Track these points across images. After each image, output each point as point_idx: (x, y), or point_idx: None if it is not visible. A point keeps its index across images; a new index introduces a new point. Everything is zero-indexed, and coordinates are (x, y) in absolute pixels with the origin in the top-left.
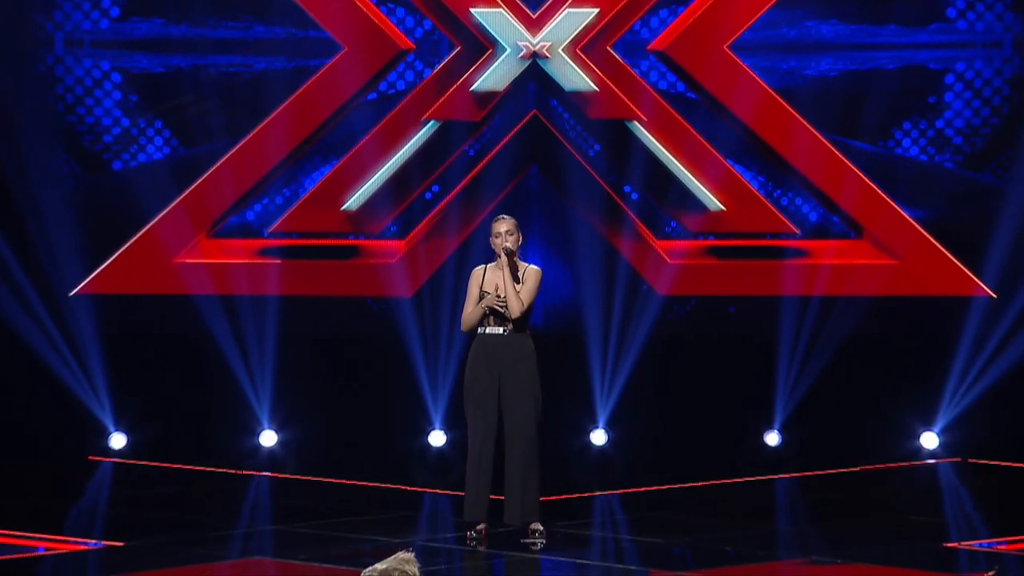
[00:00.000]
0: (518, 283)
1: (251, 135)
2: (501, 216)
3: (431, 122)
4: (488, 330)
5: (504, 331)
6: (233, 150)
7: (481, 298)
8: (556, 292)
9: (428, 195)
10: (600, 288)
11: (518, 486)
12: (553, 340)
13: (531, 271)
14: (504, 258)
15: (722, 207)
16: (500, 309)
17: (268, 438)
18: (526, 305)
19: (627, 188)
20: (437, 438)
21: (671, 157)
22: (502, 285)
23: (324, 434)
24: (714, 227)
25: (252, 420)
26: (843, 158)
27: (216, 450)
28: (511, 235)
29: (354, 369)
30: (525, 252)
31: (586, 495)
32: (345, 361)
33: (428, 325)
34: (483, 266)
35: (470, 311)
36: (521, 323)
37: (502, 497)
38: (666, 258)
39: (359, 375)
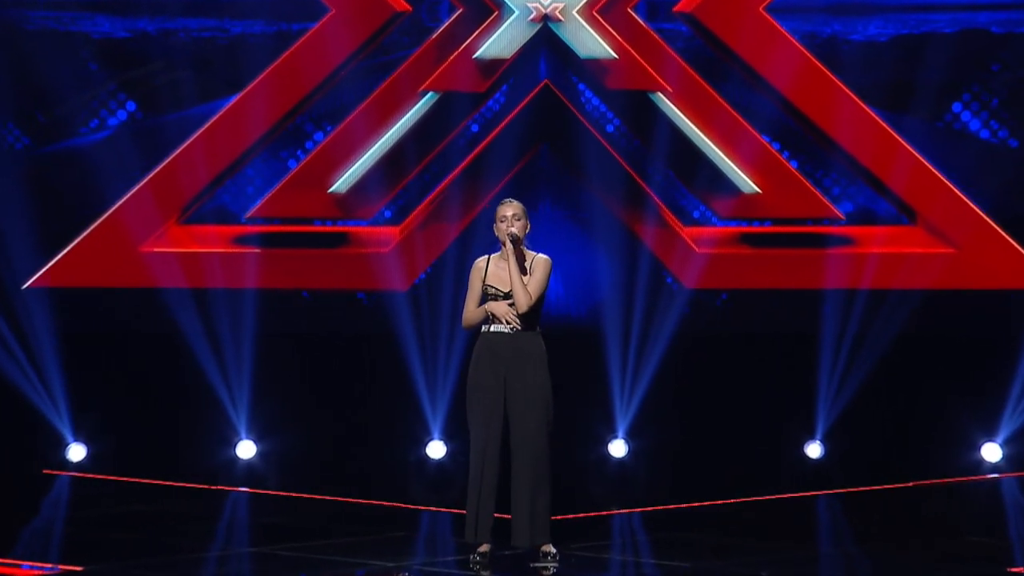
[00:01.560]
0: (525, 274)
1: (227, 108)
2: (507, 200)
3: (429, 93)
4: (493, 328)
5: (511, 329)
6: (207, 125)
7: (484, 293)
8: (570, 286)
9: (426, 176)
10: (619, 281)
11: (527, 503)
12: (566, 339)
13: (540, 261)
14: (510, 246)
15: (757, 189)
16: (507, 322)
17: (246, 449)
18: (535, 299)
19: (650, 168)
20: (436, 449)
21: (700, 133)
22: (507, 277)
23: (309, 445)
24: (748, 212)
25: (228, 429)
26: (894, 134)
27: (188, 463)
28: (518, 220)
29: (343, 372)
30: (534, 241)
31: (604, 513)
32: (332, 363)
33: (426, 322)
34: (486, 257)
35: (471, 310)
36: (530, 320)
37: (509, 516)
38: (694, 247)
39: (348, 379)
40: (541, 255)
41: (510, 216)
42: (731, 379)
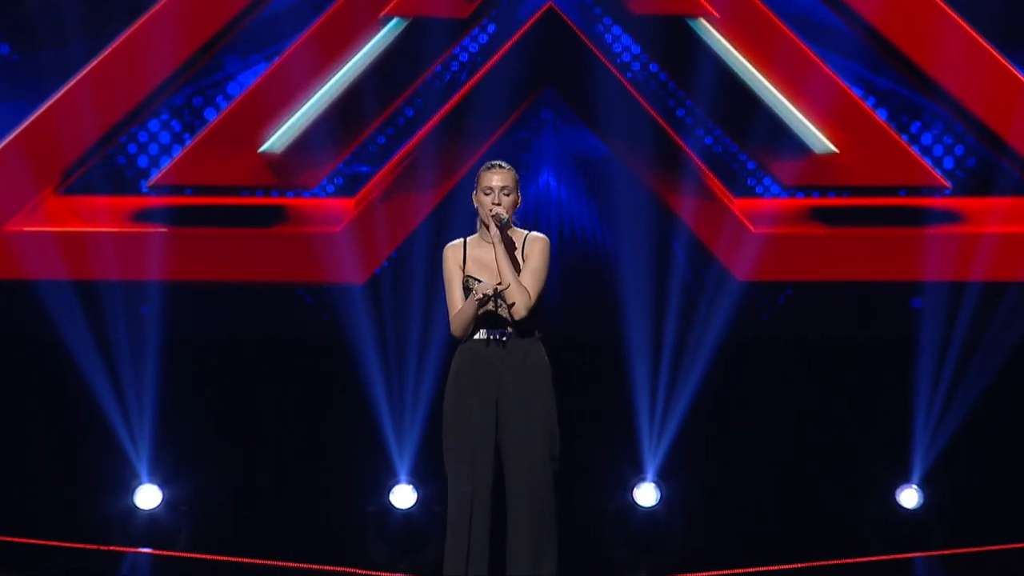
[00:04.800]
0: (518, 265)
1: (122, 39)
2: (494, 163)
3: (394, 20)
4: (480, 334)
5: (502, 335)
6: (95, 61)
7: (465, 288)
8: (581, 277)
9: (389, 131)
10: (648, 271)
11: (527, 564)
12: (576, 350)
13: (534, 242)
14: (495, 231)
15: (833, 148)
16: (499, 299)
17: (148, 497)
18: (534, 296)
19: (690, 120)
20: (403, 496)
21: (756, 73)
22: (494, 265)
23: (232, 491)
24: (821, 178)
25: (124, 470)
26: (1017, 74)
27: (71, 516)
28: (507, 195)
29: (279, 393)
30: (534, 218)
31: None
32: (265, 381)
33: (390, 326)
34: (460, 241)
35: (462, 305)
36: (526, 323)
37: None
38: (748, 225)
39: (286, 402)
40: (535, 234)
41: (497, 188)
42: (796, 403)
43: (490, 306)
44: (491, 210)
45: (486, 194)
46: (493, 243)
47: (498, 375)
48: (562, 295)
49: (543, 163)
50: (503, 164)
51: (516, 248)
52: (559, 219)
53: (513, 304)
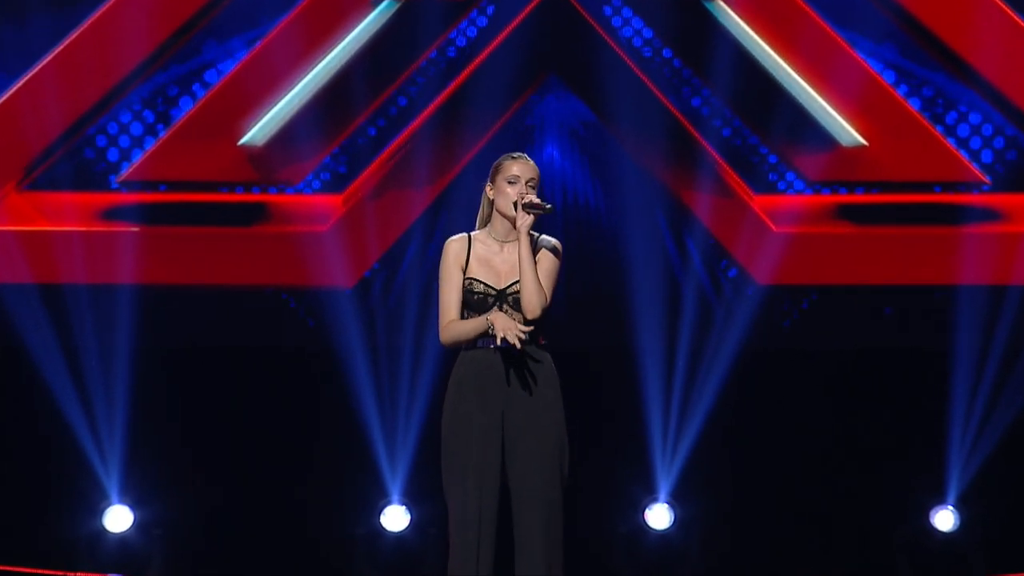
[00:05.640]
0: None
1: (90, 20)
2: (521, 154)
3: (385, 1)
4: (483, 342)
5: (505, 344)
6: (60, 45)
7: (469, 292)
8: (588, 281)
9: (381, 122)
10: (660, 274)
11: None
12: (582, 358)
13: (547, 244)
14: (526, 219)
15: (862, 140)
16: (507, 300)
17: (118, 519)
18: (549, 300)
19: (706, 110)
20: (396, 518)
21: (778, 59)
22: (499, 265)
23: (210, 513)
24: (848, 173)
25: (94, 490)
26: None
27: (33, 539)
28: (533, 187)
29: (261, 406)
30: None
31: None
32: (245, 393)
33: (382, 334)
34: (464, 236)
35: (454, 316)
36: (537, 329)
37: None
38: (769, 224)
39: (269, 416)
40: (546, 237)
41: (524, 179)
42: (820, 417)
43: (494, 320)
44: (523, 197)
45: (510, 183)
46: (519, 236)
47: (505, 386)
48: (566, 287)
49: (546, 156)
50: (528, 157)
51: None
52: (564, 216)
53: (528, 304)
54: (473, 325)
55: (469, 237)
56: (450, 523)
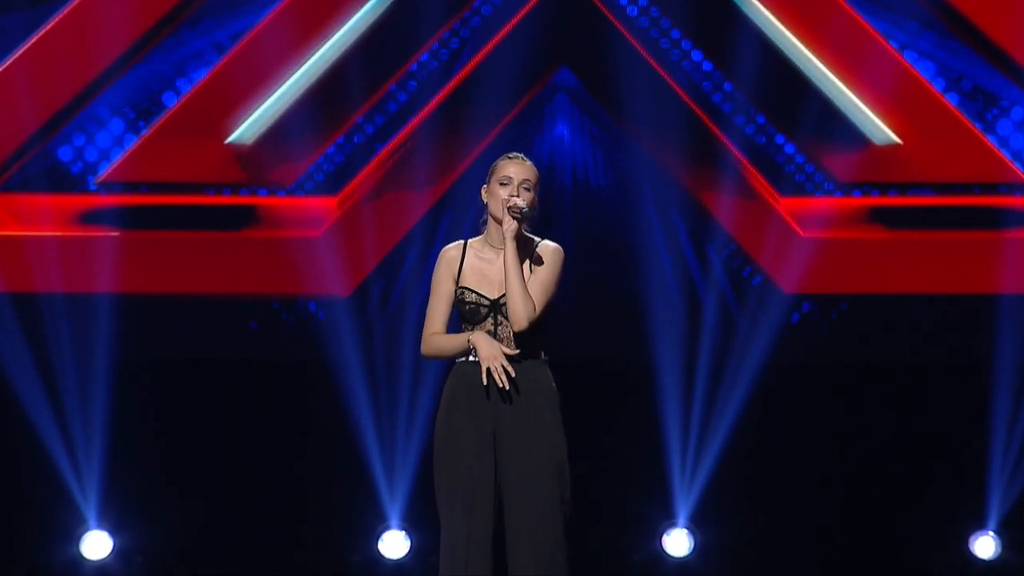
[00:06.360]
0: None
1: (67, 10)
2: (515, 155)
3: None
4: (475, 355)
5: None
6: (34, 37)
7: (461, 301)
8: (599, 290)
9: (379, 118)
10: (677, 283)
11: None
12: (596, 373)
13: (547, 251)
14: (511, 225)
15: (896, 139)
16: (498, 312)
17: (96, 545)
18: (539, 310)
19: (729, 106)
20: (394, 544)
21: (806, 52)
22: (496, 274)
23: (195, 539)
24: (882, 174)
25: (69, 514)
26: None
27: (6, 567)
28: (527, 189)
29: (251, 424)
30: (542, 220)
31: None
32: (233, 410)
33: (380, 347)
34: (459, 243)
35: (439, 329)
36: (532, 340)
37: None
38: (796, 228)
39: (258, 435)
40: (548, 242)
41: (517, 180)
42: (851, 436)
43: (488, 324)
44: (508, 201)
45: (503, 184)
46: (504, 242)
47: (497, 404)
48: (575, 294)
49: (556, 154)
50: (524, 156)
51: (530, 259)
52: (573, 220)
53: (513, 314)
54: (454, 344)
55: (465, 244)
56: (442, 550)
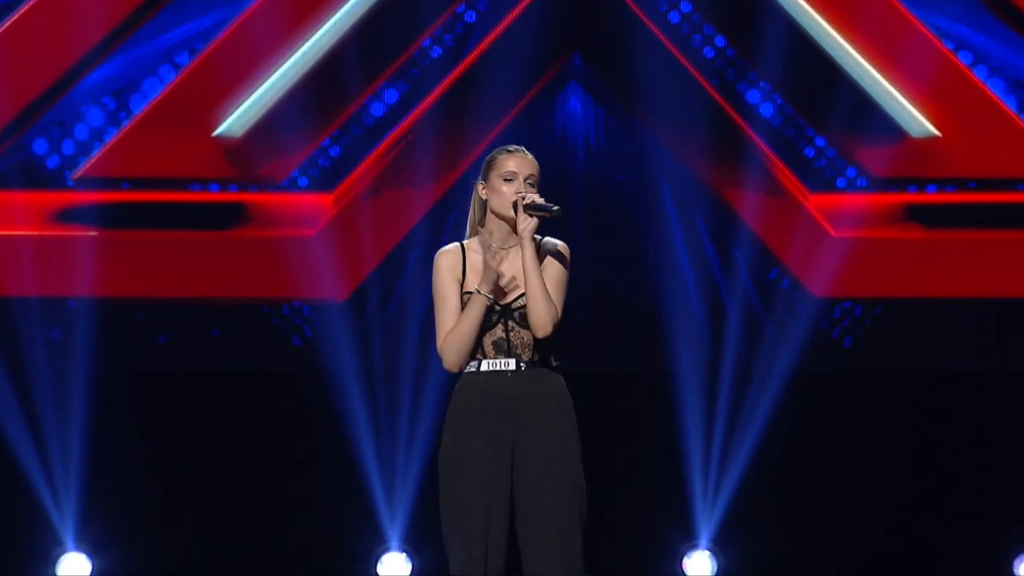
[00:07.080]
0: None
1: None
2: (517, 147)
3: None
4: (486, 364)
5: (518, 364)
6: (8, 20)
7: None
8: (613, 294)
9: (377, 109)
10: (699, 286)
11: None
12: (612, 384)
13: (551, 247)
14: (531, 223)
15: (934, 131)
16: (511, 316)
17: (74, 568)
18: (560, 313)
19: (753, 95)
20: (394, 567)
21: (838, 38)
22: (507, 280)
23: (181, 562)
24: (919, 169)
25: (45, 535)
26: None
27: None
28: (532, 185)
29: (241, 439)
30: (553, 221)
31: None
32: (221, 424)
33: (378, 354)
34: (455, 246)
35: (454, 329)
36: (545, 347)
37: None
38: (827, 227)
39: (249, 450)
40: (551, 239)
41: (522, 176)
42: (886, 451)
43: (499, 331)
44: (522, 197)
45: (507, 180)
46: (521, 243)
47: (513, 416)
48: (588, 298)
49: (567, 150)
50: (526, 150)
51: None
52: (586, 218)
53: (538, 319)
54: (469, 317)
55: (462, 246)
56: (451, 565)
